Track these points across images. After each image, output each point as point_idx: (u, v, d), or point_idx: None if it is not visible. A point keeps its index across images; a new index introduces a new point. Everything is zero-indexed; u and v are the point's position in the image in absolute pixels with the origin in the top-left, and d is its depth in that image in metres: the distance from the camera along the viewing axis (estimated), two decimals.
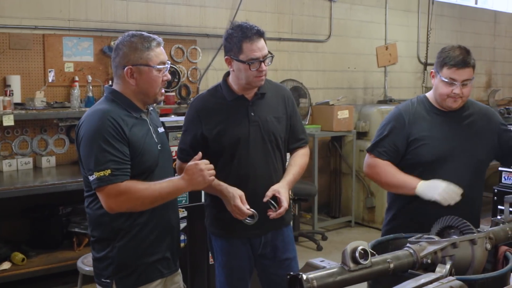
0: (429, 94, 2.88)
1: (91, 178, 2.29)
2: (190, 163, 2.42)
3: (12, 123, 4.51)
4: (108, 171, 2.26)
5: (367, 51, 7.79)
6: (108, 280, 2.42)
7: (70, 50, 5.18)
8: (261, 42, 2.68)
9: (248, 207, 2.66)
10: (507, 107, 8.03)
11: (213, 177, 2.45)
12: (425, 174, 2.74)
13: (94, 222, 2.45)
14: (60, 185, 4.42)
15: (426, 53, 8.41)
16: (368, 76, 7.88)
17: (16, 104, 4.74)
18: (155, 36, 2.45)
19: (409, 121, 2.81)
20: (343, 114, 6.58)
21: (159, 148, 2.49)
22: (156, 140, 2.49)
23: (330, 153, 7.27)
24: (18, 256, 4.51)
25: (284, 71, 6.73)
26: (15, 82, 4.83)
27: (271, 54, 2.73)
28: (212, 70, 6.19)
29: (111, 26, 5.45)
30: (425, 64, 8.44)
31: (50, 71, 5.06)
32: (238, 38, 2.65)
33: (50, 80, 5.07)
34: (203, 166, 2.39)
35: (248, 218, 2.69)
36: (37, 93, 4.90)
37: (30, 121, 4.97)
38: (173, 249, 2.60)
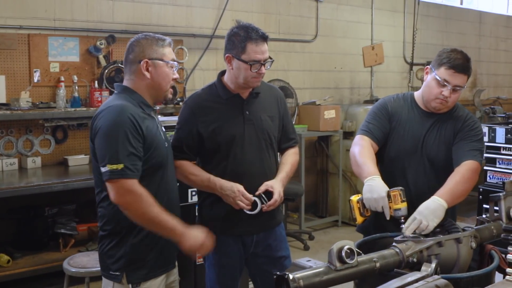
0: (417, 93, 2.88)
1: (103, 169, 2.33)
2: (203, 234, 2.49)
3: None
4: (121, 166, 2.31)
5: (353, 51, 7.82)
6: (117, 273, 2.46)
7: (56, 50, 5.14)
8: (265, 46, 2.71)
9: (251, 195, 2.71)
10: (492, 106, 8.10)
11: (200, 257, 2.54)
12: (387, 168, 2.76)
13: (109, 218, 2.48)
14: (45, 186, 4.37)
15: (412, 53, 8.45)
16: (355, 76, 7.90)
17: (1, 104, 4.70)
18: (167, 37, 2.58)
19: (391, 110, 2.83)
20: (329, 114, 6.60)
21: (165, 145, 2.56)
22: (163, 137, 2.56)
23: (317, 153, 7.29)
24: (3, 257, 4.48)
25: (270, 71, 6.67)
26: (0, 82, 4.78)
27: (271, 58, 2.77)
28: (198, 70, 6.18)
29: (97, 26, 5.42)
30: (411, 64, 8.48)
31: (35, 71, 5.02)
32: (243, 37, 2.68)
33: (35, 80, 5.03)
34: (206, 245, 2.51)
35: (249, 211, 2.72)
36: (22, 93, 4.86)
37: (15, 122, 4.93)
38: (174, 244, 2.63)
